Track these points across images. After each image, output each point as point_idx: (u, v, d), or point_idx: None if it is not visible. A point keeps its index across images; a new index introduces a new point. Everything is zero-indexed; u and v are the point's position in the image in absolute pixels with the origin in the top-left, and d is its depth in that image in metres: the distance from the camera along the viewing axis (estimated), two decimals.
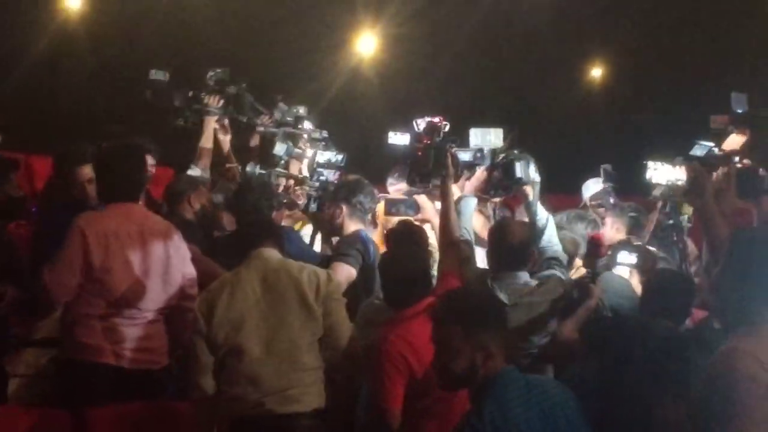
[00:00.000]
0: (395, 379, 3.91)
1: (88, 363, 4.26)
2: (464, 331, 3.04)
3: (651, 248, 5.71)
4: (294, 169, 6.04)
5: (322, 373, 4.12)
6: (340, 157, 5.91)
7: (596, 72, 12.09)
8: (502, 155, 4.81)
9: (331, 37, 10.01)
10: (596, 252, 4.59)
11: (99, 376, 4.25)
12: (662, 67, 10.80)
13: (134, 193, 4.54)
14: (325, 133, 6.21)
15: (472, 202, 4.90)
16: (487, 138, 4.88)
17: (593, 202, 6.46)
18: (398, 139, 5.00)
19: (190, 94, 6.14)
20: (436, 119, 4.82)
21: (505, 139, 4.91)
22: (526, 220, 4.79)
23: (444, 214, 4.64)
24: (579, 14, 10.54)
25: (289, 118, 6.15)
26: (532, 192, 4.74)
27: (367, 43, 10.36)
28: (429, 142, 4.77)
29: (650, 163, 4.92)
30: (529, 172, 4.72)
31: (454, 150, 4.80)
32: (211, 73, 6.20)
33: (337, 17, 10.00)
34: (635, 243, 5.33)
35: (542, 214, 4.72)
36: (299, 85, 6.63)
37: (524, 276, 4.44)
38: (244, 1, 9.32)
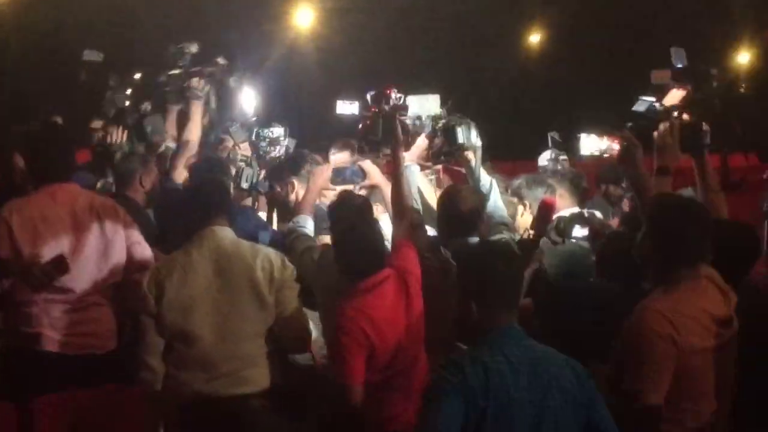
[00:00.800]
0: (355, 353, 3.81)
1: (28, 351, 4.16)
2: (464, 277, 3.10)
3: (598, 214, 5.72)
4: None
5: (272, 354, 4.07)
6: (281, 130, 5.80)
7: (534, 37, 12.11)
8: (442, 121, 4.78)
9: (268, 9, 9.88)
10: (547, 217, 4.59)
11: (40, 363, 4.14)
12: (600, 30, 10.85)
13: (64, 174, 4.39)
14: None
15: (416, 170, 4.87)
16: (424, 104, 4.84)
17: (541, 169, 6.49)
18: (345, 108, 4.92)
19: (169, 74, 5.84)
20: (389, 90, 4.73)
21: (443, 105, 4.87)
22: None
23: (395, 183, 4.55)
24: None
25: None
26: (474, 157, 4.72)
27: (304, 17, 10.25)
28: (377, 110, 4.69)
29: (582, 135, 5.02)
30: (471, 137, 4.69)
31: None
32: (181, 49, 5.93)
33: None
34: (585, 215, 5.33)
35: (485, 179, 4.71)
36: (236, 57, 6.46)
37: (475, 241, 4.41)
38: None
